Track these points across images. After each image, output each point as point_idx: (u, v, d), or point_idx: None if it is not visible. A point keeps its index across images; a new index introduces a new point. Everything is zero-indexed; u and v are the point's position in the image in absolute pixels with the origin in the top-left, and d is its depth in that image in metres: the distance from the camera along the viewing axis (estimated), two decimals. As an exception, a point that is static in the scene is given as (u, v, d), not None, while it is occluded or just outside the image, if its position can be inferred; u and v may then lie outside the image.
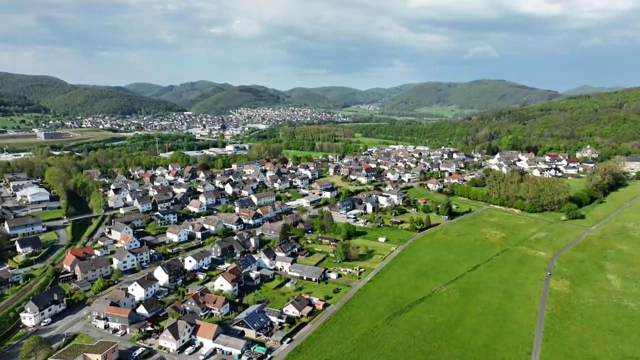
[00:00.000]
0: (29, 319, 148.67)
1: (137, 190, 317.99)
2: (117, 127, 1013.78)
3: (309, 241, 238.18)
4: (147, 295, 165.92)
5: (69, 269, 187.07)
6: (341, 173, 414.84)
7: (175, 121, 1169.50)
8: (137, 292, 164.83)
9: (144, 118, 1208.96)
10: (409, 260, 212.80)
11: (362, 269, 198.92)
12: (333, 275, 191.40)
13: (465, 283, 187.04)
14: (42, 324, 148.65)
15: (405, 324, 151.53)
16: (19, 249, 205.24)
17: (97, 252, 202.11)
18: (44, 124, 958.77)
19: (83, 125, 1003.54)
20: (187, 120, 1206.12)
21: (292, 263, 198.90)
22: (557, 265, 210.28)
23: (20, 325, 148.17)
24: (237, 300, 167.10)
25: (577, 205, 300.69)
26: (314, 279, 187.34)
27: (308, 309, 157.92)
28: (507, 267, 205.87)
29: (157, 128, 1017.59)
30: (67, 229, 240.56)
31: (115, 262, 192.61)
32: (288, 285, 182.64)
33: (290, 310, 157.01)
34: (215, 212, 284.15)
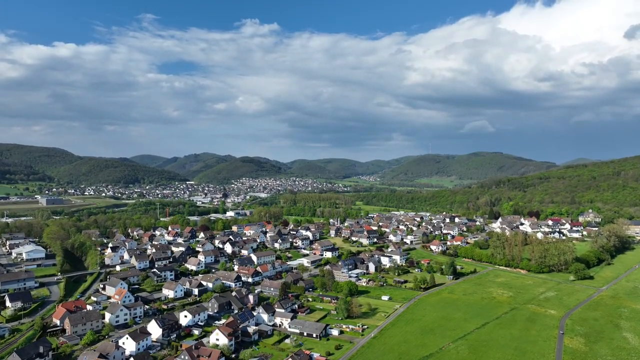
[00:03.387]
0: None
1: (135, 248, 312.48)
2: (119, 195, 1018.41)
3: (310, 299, 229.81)
4: (139, 349, 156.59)
5: (58, 322, 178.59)
6: (342, 235, 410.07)
7: (177, 190, 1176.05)
8: (128, 345, 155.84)
9: (147, 187, 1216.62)
10: (414, 317, 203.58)
11: (366, 326, 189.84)
12: (335, 332, 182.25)
13: (475, 340, 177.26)
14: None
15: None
16: (8, 303, 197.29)
17: (89, 307, 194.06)
18: (47, 192, 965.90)
19: (85, 193, 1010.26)
20: (190, 189, 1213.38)
21: (292, 319, 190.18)
22: (569, 323, 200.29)
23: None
24: (233, 356, 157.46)
25: (585, 265, 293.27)
26: (314, 335, 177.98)
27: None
28: (518, 325, 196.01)
29: (160, 196, 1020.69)
30: (60, 285, 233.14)
31: (108, 316, 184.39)
32: (287, 341, 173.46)
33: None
34: (214, 270, 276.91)
